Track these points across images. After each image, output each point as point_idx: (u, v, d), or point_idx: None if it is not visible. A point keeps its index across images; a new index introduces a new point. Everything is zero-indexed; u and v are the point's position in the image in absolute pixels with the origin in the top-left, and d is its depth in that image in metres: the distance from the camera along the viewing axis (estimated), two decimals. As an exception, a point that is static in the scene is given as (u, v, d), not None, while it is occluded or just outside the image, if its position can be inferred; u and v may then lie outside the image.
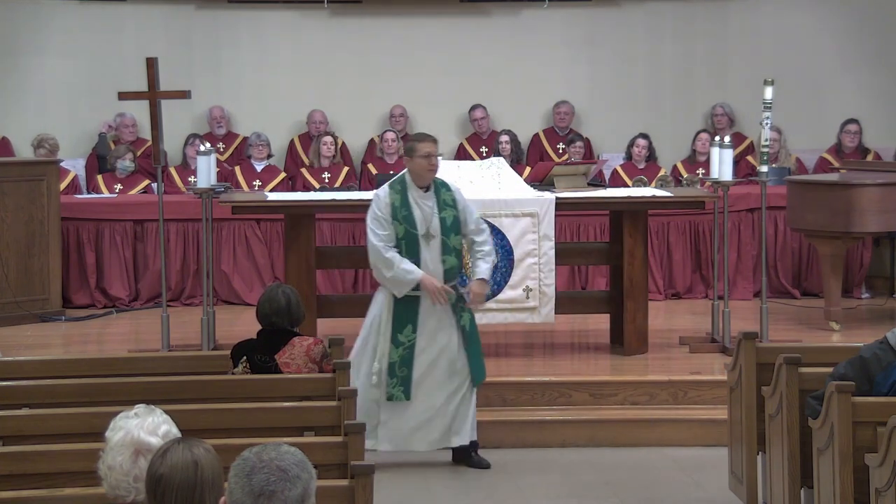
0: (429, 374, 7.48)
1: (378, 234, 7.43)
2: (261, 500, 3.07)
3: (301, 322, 6.54)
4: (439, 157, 7.60)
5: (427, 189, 7.49)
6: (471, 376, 7.52)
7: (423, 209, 7.44)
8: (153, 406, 3.87)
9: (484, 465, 7.66)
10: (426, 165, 7.45)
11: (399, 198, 7.46)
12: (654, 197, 9.30)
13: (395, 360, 7.46)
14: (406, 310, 7.45)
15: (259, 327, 6.51)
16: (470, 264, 7.66)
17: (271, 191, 11.50)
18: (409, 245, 7.41)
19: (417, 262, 7.39)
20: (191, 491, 3.40)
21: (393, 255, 7.39)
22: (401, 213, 7.43)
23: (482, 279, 7.54)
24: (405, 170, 7.59)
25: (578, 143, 12.14)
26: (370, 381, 7.47)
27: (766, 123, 9.02)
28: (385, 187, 7.57)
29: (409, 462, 7.68)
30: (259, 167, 12.06)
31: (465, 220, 7.54)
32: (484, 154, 12.21)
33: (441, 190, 7.52)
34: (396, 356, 7.45)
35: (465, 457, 7.66)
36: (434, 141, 7.55)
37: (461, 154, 12.53)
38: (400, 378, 7.46)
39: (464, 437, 7.57)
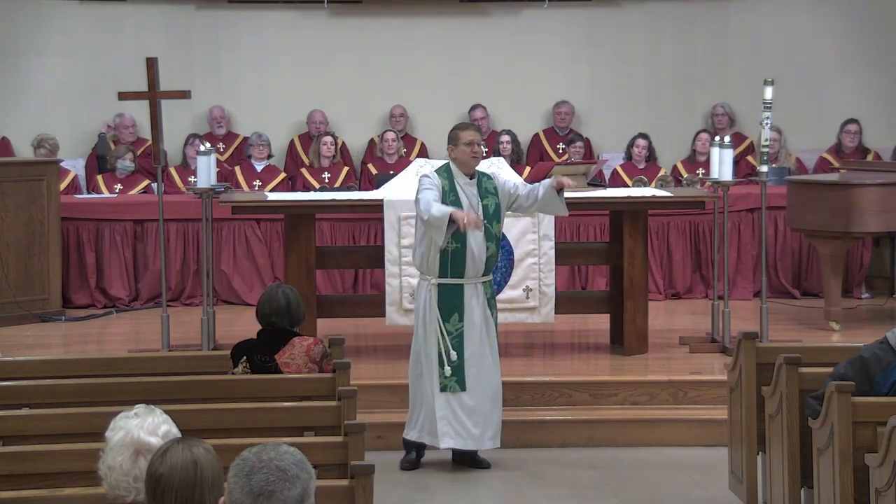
0: (480, 367, 7.49)
1: (426, 191, 7.37)
2: (260, 500, 3.07)
3: (301, 322, 6.53)
4: (481, 146, 7.65)
5: (472, 177, 7.57)
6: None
7: (469, 196, 7.51)
8: (153, 406, 3.87)
9: (484, 466, 7.66)
10: (469, 153, 7.52)
11: (448, 183, 7.53)
12: (654, 197, 9.30)
13: (446, 350, 7.45)
14: (450, 298, 7.45)
15: (259, 327, 6.51)
16: (538, 192, 7.57)
17: (271, 191, 11.50)
18: (456, 230, 7.41)
19: (463, 248, 7.42)
20: (190, 491, 3.40)
21: (434, 196, 7.33)
22: (449, 198, 7.48)
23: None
24: (446, 160, 7.68)
25: (578, 144, 12.14)
26: (425, 377, 7.50)
27: (766, 123, 9.02)
28: (432, 171, 7.64)
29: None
30: (259, 167, 12.06)
31: (513, 189, 7.60)
32: (484, 154, 12.19)
33: (483, 178, 7.60)
34: (451, 346, 7.46)
35: (467, 456, 7.66)
36: (477, 129, 7.71)
37: (461, 154, 12.52)
38: (453, 368, 7.45)
39: (497, 440, 7.62)
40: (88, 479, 4.36)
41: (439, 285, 7.46)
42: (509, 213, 8.62)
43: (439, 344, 7.43)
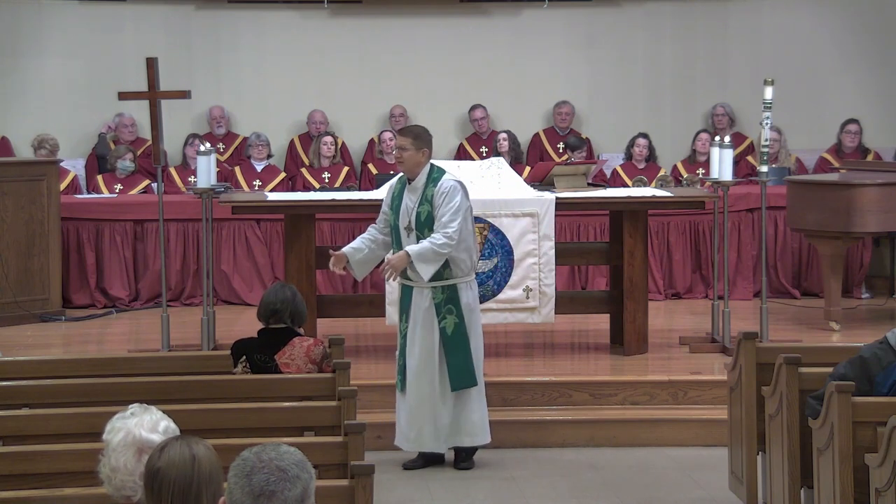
0: (421, 370, 7.47)
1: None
2: (260, 500, 3.06)
3: (303, 322, 6.53)
4: (406, 150, 7.39)
5: (412, 180, 7.50)
6: (449, 381, 7.46)
7: (407, 202, 7.50)
8: (146, 405, 3.86)
9: (466, 467, 7.64)
10: (395, 158, 7.58)
11: (399, 188, 7.60)
12: (654, 197, 9.30)
13: (398, 350, 7.55)
14: (403, 300, 7.56)
15: (259, 327, 6.51)
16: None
17: (271, 191, 11.50)
18: (395, 235, 7.53)
19: (399, 251, 7.47)
20: (187, 486, 3.40)
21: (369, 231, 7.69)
22: (394, 204, 7.56)
23: (405, 253, 7.32)
24: None
25: (581, 152, 12.10)
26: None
27: (766, 123, 9.02)
28: (397, 177, 7.75)
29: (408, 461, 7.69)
30: (259, 167, 12.06)
31: (438, 216, 7.37)
32: (484, 154, 12.20)
33: (430, 185, 7.48)
34: (398, 345, 7.56)
35: (462, 457, 7.66)
36: (402, 133, 7.53)
37: (461, 154, 12.53)
38: (400, 367, 7.53)
39: (445, 444, 7.57)
40: (88, 479, 4.36)
41: (402, 285, 7.57)
42: (500, 215, 8.61)
43: (399, 342, 7.55)
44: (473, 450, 7.68)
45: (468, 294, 7.52)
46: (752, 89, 11.04)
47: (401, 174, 7.70)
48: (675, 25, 12.87)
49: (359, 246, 7.60)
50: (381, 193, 9.11)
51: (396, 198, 7.55)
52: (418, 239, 7.39)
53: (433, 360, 7.45)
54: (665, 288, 11.35)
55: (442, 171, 7.52)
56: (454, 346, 7.46)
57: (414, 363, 7.47)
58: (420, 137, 7.45)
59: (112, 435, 3.76)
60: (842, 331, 9.73)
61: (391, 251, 7.57)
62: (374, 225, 7.69)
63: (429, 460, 7.66)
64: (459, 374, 7.47)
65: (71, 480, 4.80)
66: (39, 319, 10.48)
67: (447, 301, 7.46)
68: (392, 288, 8.82)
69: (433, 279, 7.42)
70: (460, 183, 7.51)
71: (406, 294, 7.53)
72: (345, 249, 7.60)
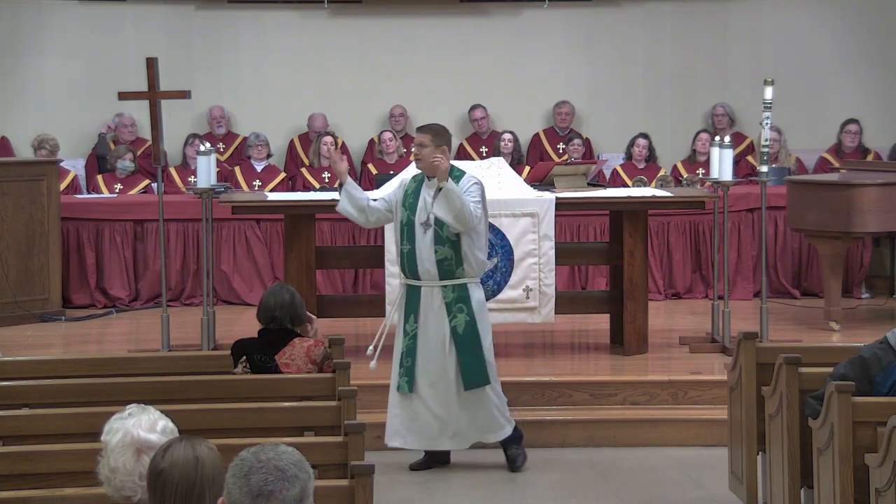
0: (435, 370, 7.44)
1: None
2: (259, 500, 3.06)
3: (302, 323, 6.53)
4: (425, 148, 7.35)
5: (431, 177, 7.46)
6: (462, 380, 7.43)
7: (426, 198, 7.44)
8: (143, 405, 3.86)
9: (518, 467, 7.59)
10: (413, 155, 7.55)
11: (413, 186, 7.52)
12: (654, 197, 9.30)
13: (403, 350, 7.47)
14: (411, 300, 7.47)
15: (259, 327, 6.51)
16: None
17: (271, 191, 11.51)
18: (408, 232, 7.45)
19: (413, 250, 7.41)
20: (190, 487, 3.40)
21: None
22: (408, 201, 7.49)
23: (448, 186, 7.30)
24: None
25: (577, 141, 12.14)
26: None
27: (766, 123, 9.02)
28: (410, 176, 7.68)
29: (410, 461, 7.69)
30: (259, 167, 12.06)
31: None
32: (484, 154, 12.21)
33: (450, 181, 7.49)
34: (403, 346, 7.47)
35: (510, 458, 7.63)
36: (424, 131, 7.43)
37: (461, 154, 12.53)
38: (405, 368, 7.45)
39: (465, 441, 7.55)
40: (88, 479, 4.35)
41: (406, 285, 7.51)
42: (500, 215, 8.60)
43: (401, 342, 7.48)
44: (517, 446, 7.63)
45: (478, 293, 7.51)
46: (752, 89, 11.04)
47: (417, 172, 7.60)
48: (675, 25, 12.88)
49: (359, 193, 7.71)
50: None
51: (411, 195, 7.48)
52: (436, 235, 7.36)
53: (446, 360, 7.43)
54: (665, 288, 11.36)
55: (462, 171, 7.53)
56: (466, 344, 7.43)
57: (426, 363, 7.44)
58: (439, 135, 7.42)
59: (110, 436, 3.76)
60: (842, 331, 9.73)
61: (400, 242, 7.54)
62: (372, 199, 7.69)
63: (434, 460, 7.66)
64: (472, 373, 7.44)
65: (71, 480, 4.79)
66: (39, 319, 10.49)
67: (458, 300, 7.43)
68: (392, 287, 8.83)
69: (444, 278, 7.41)
70: (482, 184, 7.52)
71: (413, 294, 7.48)
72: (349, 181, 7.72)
